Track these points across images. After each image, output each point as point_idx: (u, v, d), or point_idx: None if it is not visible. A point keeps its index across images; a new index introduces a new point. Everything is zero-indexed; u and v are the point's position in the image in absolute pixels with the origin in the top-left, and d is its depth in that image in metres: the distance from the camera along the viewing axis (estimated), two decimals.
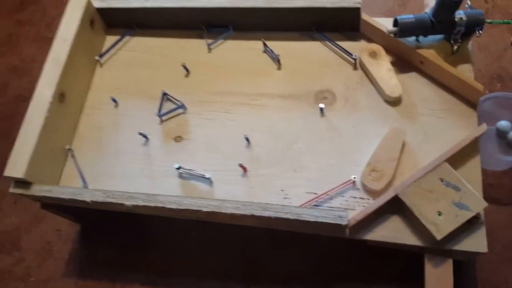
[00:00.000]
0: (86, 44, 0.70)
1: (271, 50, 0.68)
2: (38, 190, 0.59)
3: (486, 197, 0.53)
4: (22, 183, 0.59)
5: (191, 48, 0.72)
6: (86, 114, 0.70)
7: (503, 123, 0.66)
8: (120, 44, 0.74)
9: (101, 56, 0.73)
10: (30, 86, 0.94)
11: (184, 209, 0.54)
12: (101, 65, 0.73)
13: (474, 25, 0.58)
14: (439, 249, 0.53)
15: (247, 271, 0.67)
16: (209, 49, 0.71)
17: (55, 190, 0.58)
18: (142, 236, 0.73)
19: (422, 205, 0.52)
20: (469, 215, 0.51)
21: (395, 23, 0.60)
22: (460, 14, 0.57)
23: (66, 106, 0.66)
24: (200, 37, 0.72)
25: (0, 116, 0.92)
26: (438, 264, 0.54)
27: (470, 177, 0.55)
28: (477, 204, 0.52)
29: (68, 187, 0.59)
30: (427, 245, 0.53)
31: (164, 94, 0.68)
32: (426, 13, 0.60)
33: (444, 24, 0.58)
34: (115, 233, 0.74)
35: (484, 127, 0.56)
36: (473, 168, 0.56)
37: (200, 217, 0.56)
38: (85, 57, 0.70)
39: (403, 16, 0.59)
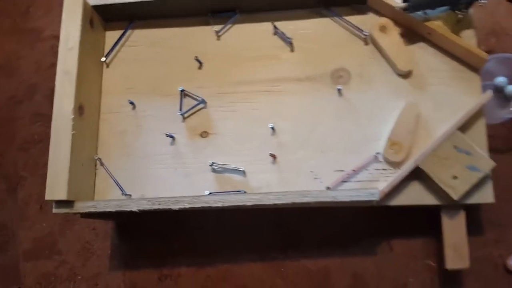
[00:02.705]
0: (90, 47, 0.71)
1: (282, 32, 0.69)
2: (82, 207, 0.63)
3: None
4: (64, 202, 0.61)
5: (199, 37, 0.74)
6: (104, 120, 0.72)
7: (500, 79, 0.73)
8: (122, 39, 0.73)
9: (106, 56, 0.72)
10: (22, 86, 0.92)
11: (229, 205, 0.59)
12: (107, 65, 0.73)
13: None
14: (454, 204, 0.63)
15: (283, 240, 0.75)
16: (218, 37, 0.71)
17: (100, 205, 0.62)
18: (178, 223, 0.78)
19: (440, 172, 0.62)
20: (480, 175, 0.62)
21: None
22: None
23: (86, 117, 0.67)
24: (206, 23, 0.74)
25: None
26: (453, 216, 0.65)
27: (477, 139, 0.64)
28: (486, 164, 0.62)
29: (112, 200, 0.63)
30: (445, 203, 0.62)
31: (182, 91, 0.68)
32: None
33: None
34: (151, 225, 0.79)
35: (489, 93, 0.63)
36: (480, 130, 0.65)
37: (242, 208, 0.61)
38: (92, 61, 0.71)
39: None
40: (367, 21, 0.69)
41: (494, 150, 0.73)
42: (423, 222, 0.70)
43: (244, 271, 0.75)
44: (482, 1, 0.63)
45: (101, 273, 0.79)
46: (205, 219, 0.79)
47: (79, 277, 0.80)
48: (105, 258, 0.80)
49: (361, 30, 0.68)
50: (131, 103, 0.71)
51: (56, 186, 0.61)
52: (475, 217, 0.72)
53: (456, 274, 0.68)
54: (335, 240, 0.74)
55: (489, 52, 0.77)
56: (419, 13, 0.65)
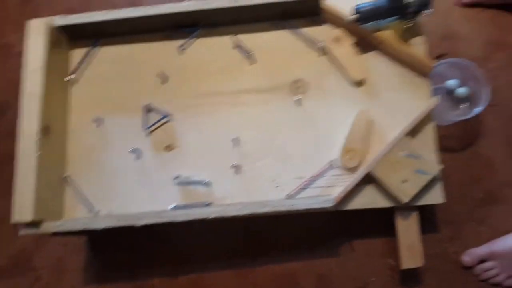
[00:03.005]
0: (56, 67, 0.73)
1: (243, 46, 0.72)
2: (50, 227, 0.65)
3: (440, 147, 0.69)
4: (32, 223, 0.63)
5: (163, 52, 0.76)
6: (72, 138, 0.74)
7: (451, 82, 0.77)
8: (88, 57, 0.75)
9: (72, 74, 0.74)
10: None
11: (192, 219, 0.61)
12: (73, 83, 0.74)
13: (424, 3, 0.64)
14: (407, 206, 0.67)
15: (252, 246, 0.78)
16: (181, 51, 0.73)
17: (67, 224, 0.65)
18: (149, 235, 0.80)
19: (390, 177, 0.65)
20: (427, 178, 0.65)
21: (355, 12, 0.65)
22: None
23: (52, 137, 0.68)
24: (169, 38, 0.76)
25: None
26: (407, 217, 0.69)
27: (427, 141, 0.68)
28: (433, 168, 0.66)
29: (79, 219, 0.65)
30: (397, 205, 0.67)
31: (146, 106, 0.71)
32: None
33: (398, 8, 0.64)
34: (123, 237, 0.81)
35: (436, 99, 0.66)
36: (429, 133, 0.69)
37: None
38: (57, 81, 0.73)
39: (361, 5, 0.66)
40: (323, 32, 0.72)
41: (448, 150, 0.78)
42: (383, 222, 0.74)
43: (216, 279, 0.78)
44: (428, 10, 0.67)
45: (75, 287, 0.81)
46: (176, 230, 0.81)
47: None
48: (79, 273, 0.82)
49: (317, 42, 0.72)
50: (98, 120, 0.73)
51: (22, 208, 0.63)
52: (431, 216, 0.76)
53: (414, 272, 0.72)
54: (301, 243, 0.77)
55: (442, 56, 0.82)
56: (369, 24, 0.69)
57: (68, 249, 0.83)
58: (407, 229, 0.67)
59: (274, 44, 0.74)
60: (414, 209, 0.67)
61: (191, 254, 0.80)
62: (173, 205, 0.68)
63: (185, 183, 0.70)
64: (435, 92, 0.75)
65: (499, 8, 0.82)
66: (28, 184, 0.63)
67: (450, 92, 0.78)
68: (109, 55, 0.76)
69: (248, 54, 0.73)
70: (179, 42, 0.75)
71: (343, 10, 0.69)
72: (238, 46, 0.74)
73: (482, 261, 0.72)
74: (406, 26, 0.68)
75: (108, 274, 0.81)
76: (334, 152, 0.69)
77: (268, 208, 0.63)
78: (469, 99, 0.76)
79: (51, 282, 0.82)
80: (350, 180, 0.66)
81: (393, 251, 0.74)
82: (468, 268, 0.73)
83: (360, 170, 0.66)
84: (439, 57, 0.80)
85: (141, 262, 0.80)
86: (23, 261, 0.84)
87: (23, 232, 0.64)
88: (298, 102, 0.71)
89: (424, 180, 0.64)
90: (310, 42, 0.72)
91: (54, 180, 0.69)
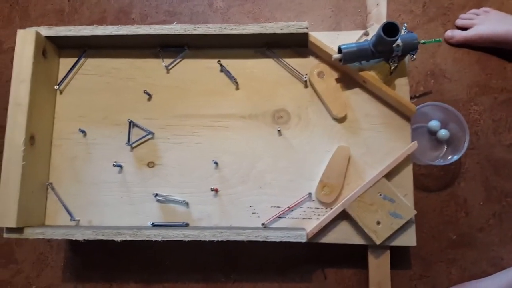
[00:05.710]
0: (43, 77, 0.73)
1: (228, 71, 0.73)
2: (31, 233, 0.67)
3: (418, 186, 0.73)
4: (15, 229, 0.66)
5: (149, 69, 0.76)
6: (56, 146, 0.76)
7: (433, 123, 0.78)
8: (76, 68, 0.77)
9: (59, 84, 0.76)
10: None
11: (168, 239, 0.65)
12: (60, 92, 0.77)
13: (409, 49, 0.66)
14: (379, 246, 0.69)
15: (227, 263, 0.81)
16: (167, 70, 0.75)
17: (47, 232, 0.67)
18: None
19: (364, 217, 0.67)
20: (401, 222, 0.67)
21: (339, 51, 0.67)
22: (396, 40, 0.65)
23: (37, 145, 0.71)
24: (156, 56, 0.76)
25: None
26: (379, 255, 0.71)
27: (404, 184, 0.70)
28: (408, 213, 0.67)
29: (59, 228, 0.68)
30: (370, 244, 0.69)
31: (131, 122, 0.73)
32: (367, 40, 0.67)
33: (383, 51, 0.66)
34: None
35: (415, 144, 0.68)
36: (407, 176, 0.70)
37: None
38: (45, 90, 0.74)
39: (346, 45, 0.67)
40: (308, 64, 0.72)
41: (426, 189, 0.80)
42: (355, 254, 0.76)
43: None
44: (413, 56, 0.68)
45: (54, 284, 0.85)
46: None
47: (34, 287, 0.87)
48: (58, 270, 0.86)
49: (301, 74, 0.73)
50: (82, 131, 0.75)
51: (6, 215, 0.65)
52: (404, 251, 0.78)
53: None
54: (275, 265, 0.80)
55: (426, 93, 0.84)
56: (353, 64, 0.69)
57: (50, 247, 0.87)
58: (378, 267, 0.69)
59: (259, 71, 0.74)
60: (387, 248, 0.69)
61: (166, 264, 0.82)
62: (151, 222, 0.72)
63: (164, 201, 0.73)
64: (417, 130, 0.77)
65: (486, 51, 0.82)
66: (13, 192, 0.65)
67: (431, 133, 0.80)
68: (97, 67, 0.76)
69: (233, 80, 0.74)
70: (166, 61, 0.75)
71: (329, 46, 0.70)
72: (224, 70, 0.74)
73: None
74: (391, 68, 0.68)
75: (86, 274, 0.84)
76: (312, 184, 0.70)
77: (243, 237, 0.64)
78: (450, 142, 0.78)
79: (31, 276, 0.86)
80: (325, 214, 0.68)
81: (363, 283, 0.76)
82: None
83: (336, 206, 0.68)
84: (423, 95, 0.82)
85: (118, 266, 0.83)
86: (6, 253, 0.88)
87: (6, 235, 0.66)
88: (279, 132, 0.73)
89: (398, 224, 0.66)
90: (294, 73, 0.73)
91: (37, 187, 0.70)
